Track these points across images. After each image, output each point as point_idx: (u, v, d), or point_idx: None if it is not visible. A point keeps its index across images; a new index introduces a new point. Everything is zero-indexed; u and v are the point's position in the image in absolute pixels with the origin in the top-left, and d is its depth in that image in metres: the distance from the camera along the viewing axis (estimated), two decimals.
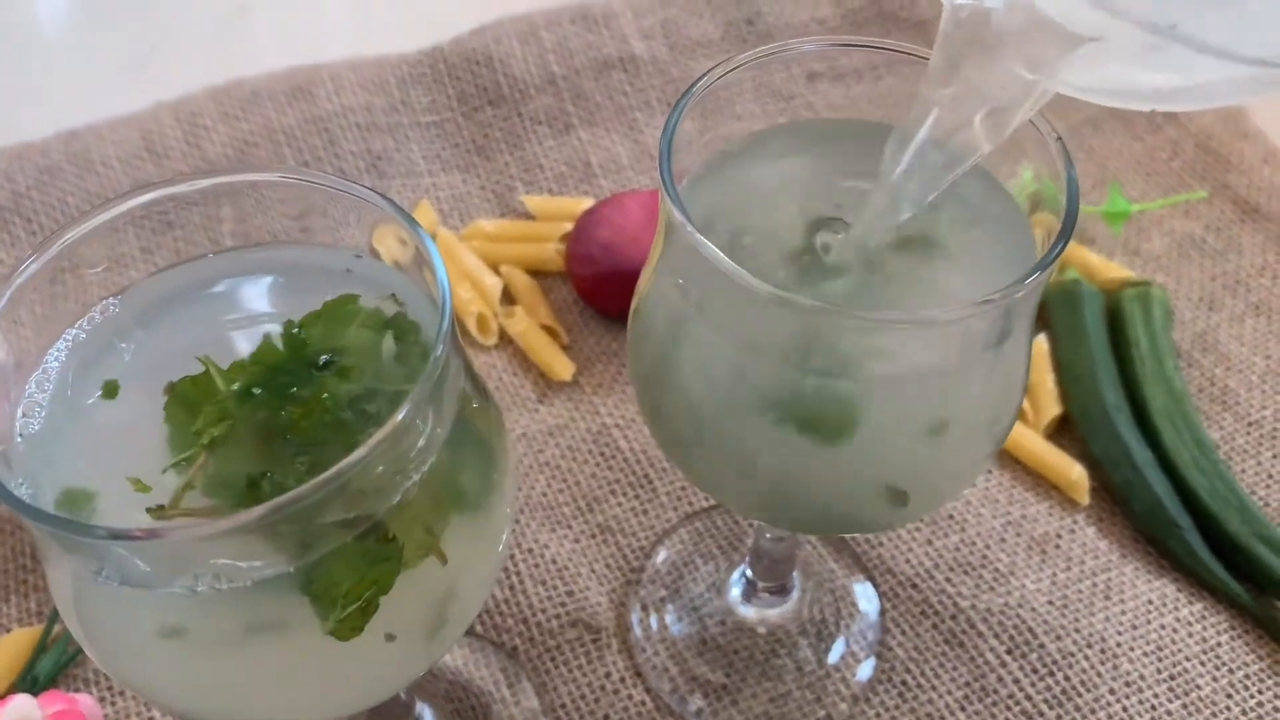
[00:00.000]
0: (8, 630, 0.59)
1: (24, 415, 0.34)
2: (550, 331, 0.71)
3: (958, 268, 0.40)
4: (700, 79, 0.40)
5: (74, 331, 0.36)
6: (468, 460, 0.36)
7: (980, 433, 0.41)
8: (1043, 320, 0.72)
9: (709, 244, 0.34)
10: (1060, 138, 0.39)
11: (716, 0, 0.85)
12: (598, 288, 0.71)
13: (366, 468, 0.31)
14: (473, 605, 0.39)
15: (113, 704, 0.56)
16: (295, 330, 0.34)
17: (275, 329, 0.35)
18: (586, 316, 0.73)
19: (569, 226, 0.74)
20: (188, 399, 0.33)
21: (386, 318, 0.35)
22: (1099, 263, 0.74)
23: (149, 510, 0.32)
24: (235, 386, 0.33)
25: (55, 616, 0.58)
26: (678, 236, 0.36)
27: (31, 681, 0.56)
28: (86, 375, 0.35)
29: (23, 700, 0.47)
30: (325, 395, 0.33)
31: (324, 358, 0.34)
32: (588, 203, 0.76)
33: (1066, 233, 0.36)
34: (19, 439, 0.33)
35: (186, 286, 0.37)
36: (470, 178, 0.79)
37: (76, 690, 0.56)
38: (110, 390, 0.34)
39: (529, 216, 0.77)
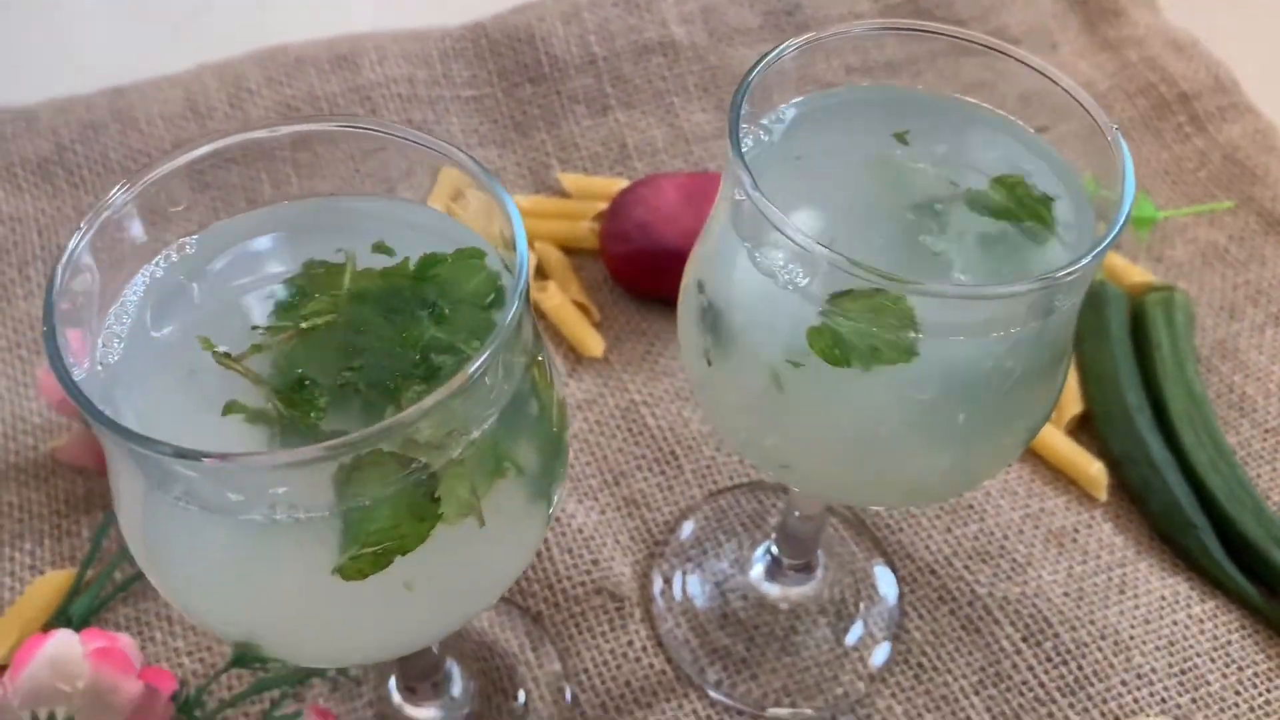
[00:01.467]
0: (42, 573, 0.60)
1: (103, 345, 0.35)
2: (582, 308, 0.72)
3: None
4: (762, 61, 0.41)
5: (151, 267, 0.37)
6: (525, 425, 0.37)
7: (1013, 420, 0.42)
8: None
9: (780, 212, 0.35)
10: (1118, 128, 0.40)
11: None
12: (630, 266, 0.72)
13: (432, 416, 0.31)
14: (507, 571, 0.40)
15: (145, 646, 0.57)
16: (420, 265, 0.35)
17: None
18: (617, 295, 0.74)
19: (603, 206, 0.75)
20: (311, 281, 0.35)
21: (498, 284, 0.36)
22: (1124, 266, 0.75)
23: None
24: (351, 289, 0.35)
25: (89, 559, 0.59)
26: (747, 211, 0.37)
27: (65, 621, 0.57)
28: (162, 311, 0.36)
29: (65, 635, 0.48)
30: (421, 335, 0.34)
31: (434, 300, 0.35)
32: (623, 183, 0.77)
33: (1119, 223, 0.37)
34: (99, 367, 0.34)
35: (261, 229, 0.38)
36: (507, 153, 0.80)
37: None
38: (205, 343, 0.35)
39: (564, 194, 0.78)
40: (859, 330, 0.36)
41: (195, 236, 0.38)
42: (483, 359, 0.31)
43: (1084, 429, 0.69)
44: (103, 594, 0.58)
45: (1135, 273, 0.75)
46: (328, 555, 0.32)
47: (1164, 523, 0.64)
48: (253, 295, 0.37)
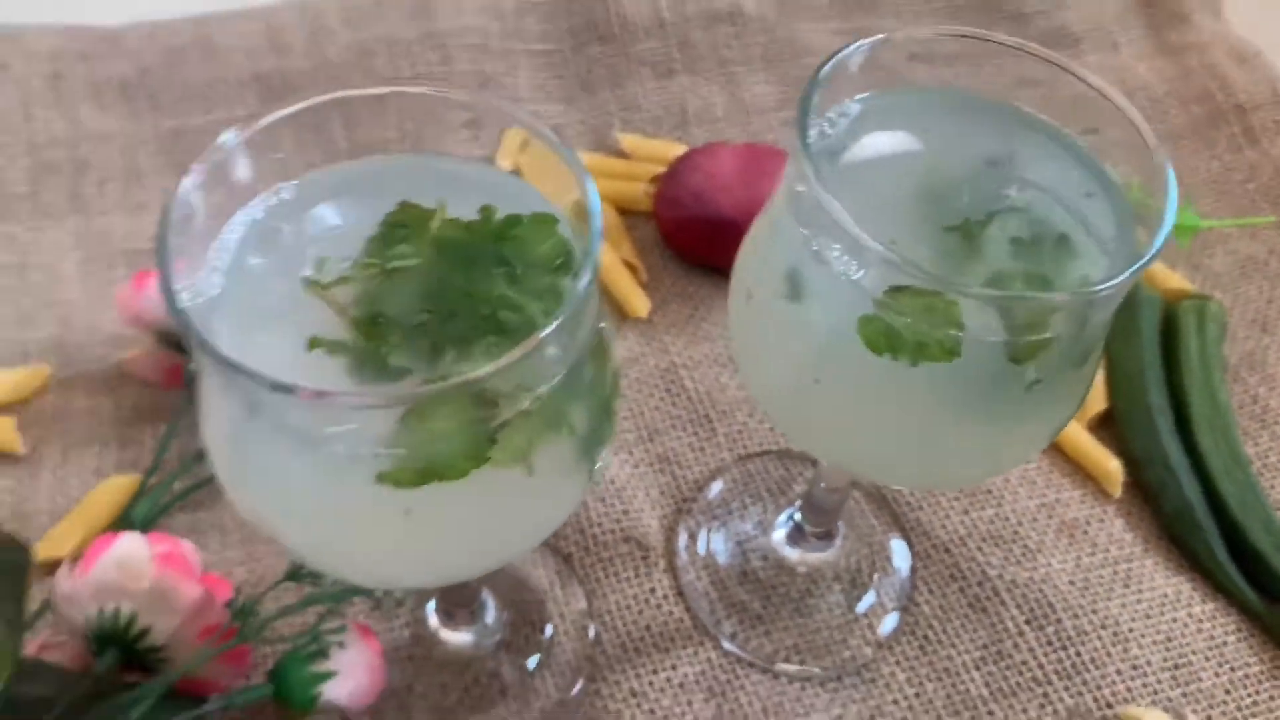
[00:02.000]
0: (107, 476, 0.64)
1: (204, 277, 0.38)
2: (631, 268, 0.75)
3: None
4: (831, 60, 0.43)
5: (251, 209, 0.40)
6: (584, 388, 0.40)
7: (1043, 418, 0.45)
8: None
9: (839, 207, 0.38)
10: (1165, 153, 0.41)
11: None
12: (682, 231, 0.74)
13: (505, 372, 0.34)
14: (548, 519, 0.43)
15: (201, 553, 0.61)
16: (502, 223, 0.38)
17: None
18: (667, 258, 0.77)
19: (660, 169, 0.78)
20: (400, 224, 0.38)
21: (569, 251, 0.38)
22: (1162, 272, 0.77)
23: (306, 282, 0.37)
24: (436, 237, 0.37)
25: (153, 468, 0.63)
26: (806, 198, 0.40)
27: (127, 524, 0.61)
28: (258, 248, 0.39)
29: (133, 538, 0.52)
30: (492, 291, 0.36)
31: (509, 259, 0.38)
32: (681, 148, 0.80)
33: (1159, 241, 0.39)
34: (199, 299, 0.37)
35: (355, 180, 0.41)
36: (571, 110, 0.82)
37: None
38: (309, 279, 0.38)
39: (622, 154, 0.81)
40: (909, 326, 0.38)
41: (293, 182, 0.40)
42: (558, 322, 0.34)
43: (1105, 426, 0.71)
44: (162, 501, 0.62)
45: (1172, 279, 0.76)
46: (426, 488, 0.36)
47: (1174, 523, 0.67)
48: (342, 237, 0.40)
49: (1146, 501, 0.68)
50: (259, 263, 0.39)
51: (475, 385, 0.34)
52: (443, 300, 0.37)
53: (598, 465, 0.42)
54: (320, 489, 0.38)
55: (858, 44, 0.43)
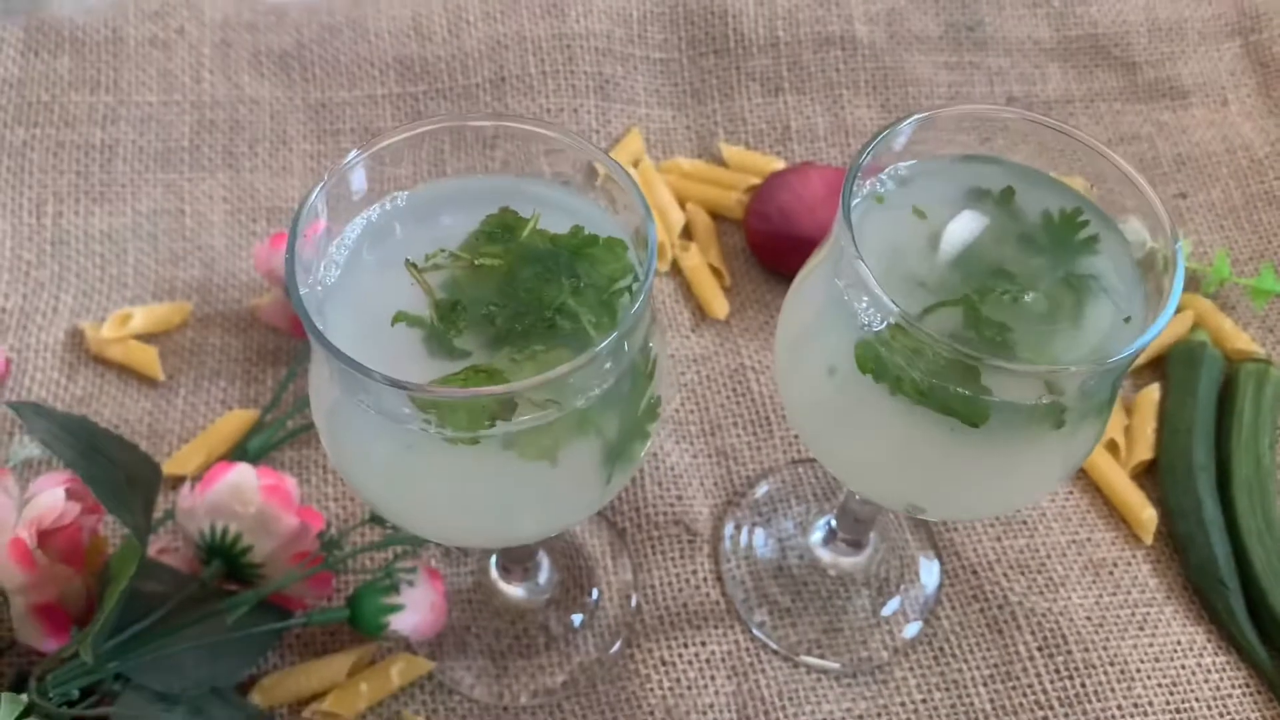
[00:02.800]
0: (230, 409, 0.73)
1: (324, 269, 0.45)
2: (716, 272, 0.81)
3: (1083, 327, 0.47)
4: (880, 136, 0.47)
5: (369, 212, 0.47)
6: (617, 405, 0.46)
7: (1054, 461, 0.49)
8: (1160, 371, 0.78)
9: (869, 272, 0.43)
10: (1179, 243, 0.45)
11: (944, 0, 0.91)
12: (767, 244, 0.79)
13: (557, 383, 0.41)
14: (570, 509, 0.49)
15: (302, 487, 0.70)
16: (581, 240, 0.44)
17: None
18: (750, 266, 0.82)
19: (756, 181, 0.83)
20: (498, 225, 0.45)
21: (634, 274, 0.44)
22: (1230, 330, 0.79)
23: (407, 263, 0.44)
24: (523, 242, 0.44)
25: (270, 406, 0.71)
26: (845, 255, 0.45)
27: (243, 453, 0.69)
28: (373, 246, 0.46)
29: (245, 469, 0.60)
30: (555, 298, 0.43)
31: (578, 272, 0.44)
32: (779, 163, 0.84)
33: (1156, 328, 0.43)
34: (319, 287, 0.45)
35: (460, 192, 0.47)
36: (680, 116, 0.88)
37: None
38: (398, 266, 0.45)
39: (723, 163, 0.86)
40: (894, 360, 0.44)
41: (406, 192, 0.47)
42: (608, 341, 0.40)
43: (1148, 474, 0.74)
44: (276, 437, 0.71)
45: (1240, 339, 0.78)
46: (460, 465, 0.43)
47: (1198, 576, 0.70)
48: (444, 236, 0.46)
49: (1175, 552, 0.72)
50: (370, 257, 0.46)
51: (543, 389, 0.40)
52: (512, 298, 0.44)
53: (615, 475, 0.48)
54: (399, 462, 0.45)
55: (906, 120, 0.48)
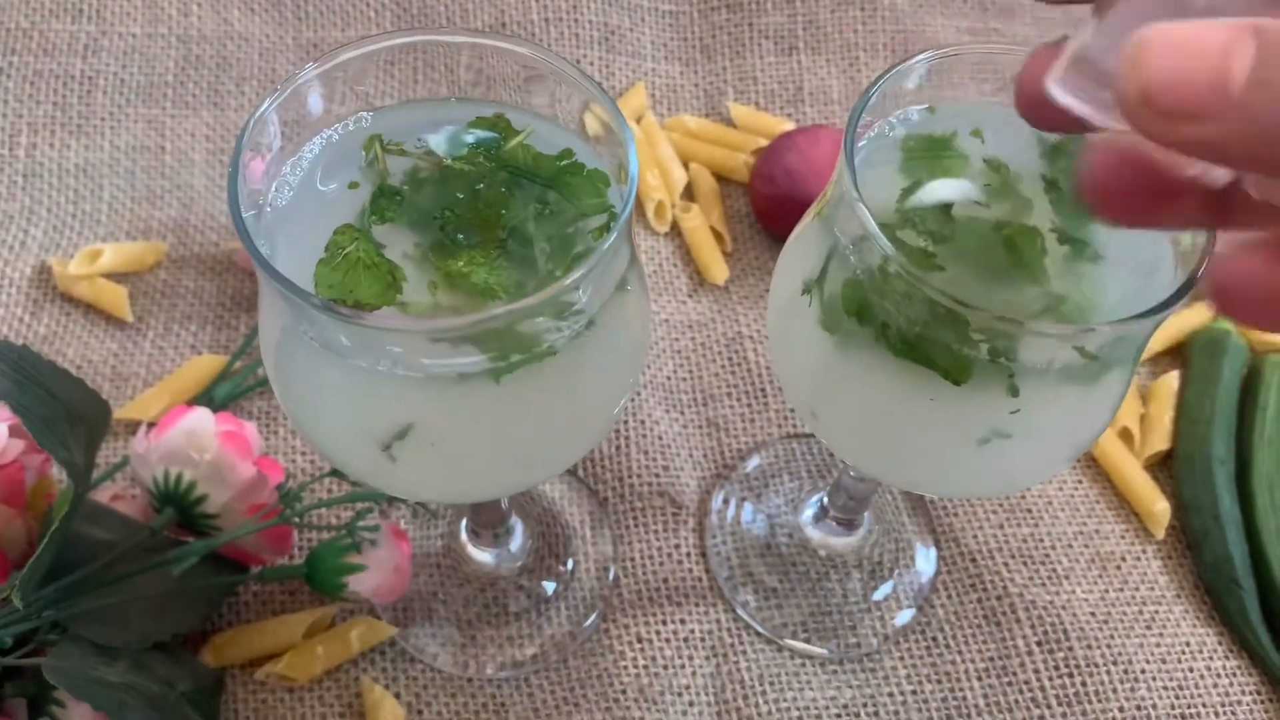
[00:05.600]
0: (200, 354, 0.70)
1: (275, 190, 0.41)
2: (717, 235, 0.77)
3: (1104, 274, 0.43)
4: (888, 73, 0.44)
5: (329, 132, 0.43)
6: (602, 343, 0.42)
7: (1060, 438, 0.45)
8: (1179, 359, 0.74)
9: (870, 217, 0.39)
10: None
11: None
12: (771, 208, 0.75)
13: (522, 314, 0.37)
14: (554, 455, 0.46)
15: (268, 439, 0.66)
16: (565, 167, 0.41)
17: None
18: (754, 231, 0.78)
19: (764, 142, 0.79)
20: (483, 128, 0.42)
21: (610, 213, 0.41)
22: None
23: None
24: (504, 153, 0.41)
25: (239, 352, 0.68)
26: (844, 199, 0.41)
27: (209, 400, 0.66)
28: (331, 168, 0.42)
29: (202, 413, 0.57)
30: (512, 220, 0.39)
31: (550, 197, 0.40)
32: (789, 125, 0.80)
33: (1186, 288, 0.39)
34: (269, 209, 0.41)
35: (428, 117, 0.44)
36: (688, 72, 0.84)
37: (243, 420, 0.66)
38: (351, 185, 0.42)
39: (730, 123, 0.82)
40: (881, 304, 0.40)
41: (370, 114, 0.43)
42: (567, 282, 0.36)
43: (1163, 466, 0.70)
44: (244, 384, 0.67)
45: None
46: (409, 406, 0.39)
47: (1211, 574, 0.66)
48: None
49: (1187, 548, 0.68)
50: (328, 180, 0.42)
51: (501, 320, 0.36)
52: (471, 208, 0.40)
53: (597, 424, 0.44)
54: (349, 403, 0.41)
55: (918, 57, 0.44)
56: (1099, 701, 0.62)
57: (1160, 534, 0.68)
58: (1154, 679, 0.63)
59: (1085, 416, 0.44)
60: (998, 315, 0.37)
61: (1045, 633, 0.64)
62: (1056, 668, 0.63)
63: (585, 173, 0.42)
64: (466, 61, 0.43)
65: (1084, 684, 0.62)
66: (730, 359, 0.72)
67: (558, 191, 0.41)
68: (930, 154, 0.44)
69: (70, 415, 0.50)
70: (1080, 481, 0.69)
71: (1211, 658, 0.64)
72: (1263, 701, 0.63)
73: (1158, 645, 0.64)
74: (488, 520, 0.61)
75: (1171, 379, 0.72)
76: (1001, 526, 0.67)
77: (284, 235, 0.41)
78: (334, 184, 0.42)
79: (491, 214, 0.40)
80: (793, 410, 0.71)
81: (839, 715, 0.61)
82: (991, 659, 0.63)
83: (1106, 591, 0.66)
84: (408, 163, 0.42)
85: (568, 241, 0.40)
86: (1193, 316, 0.75)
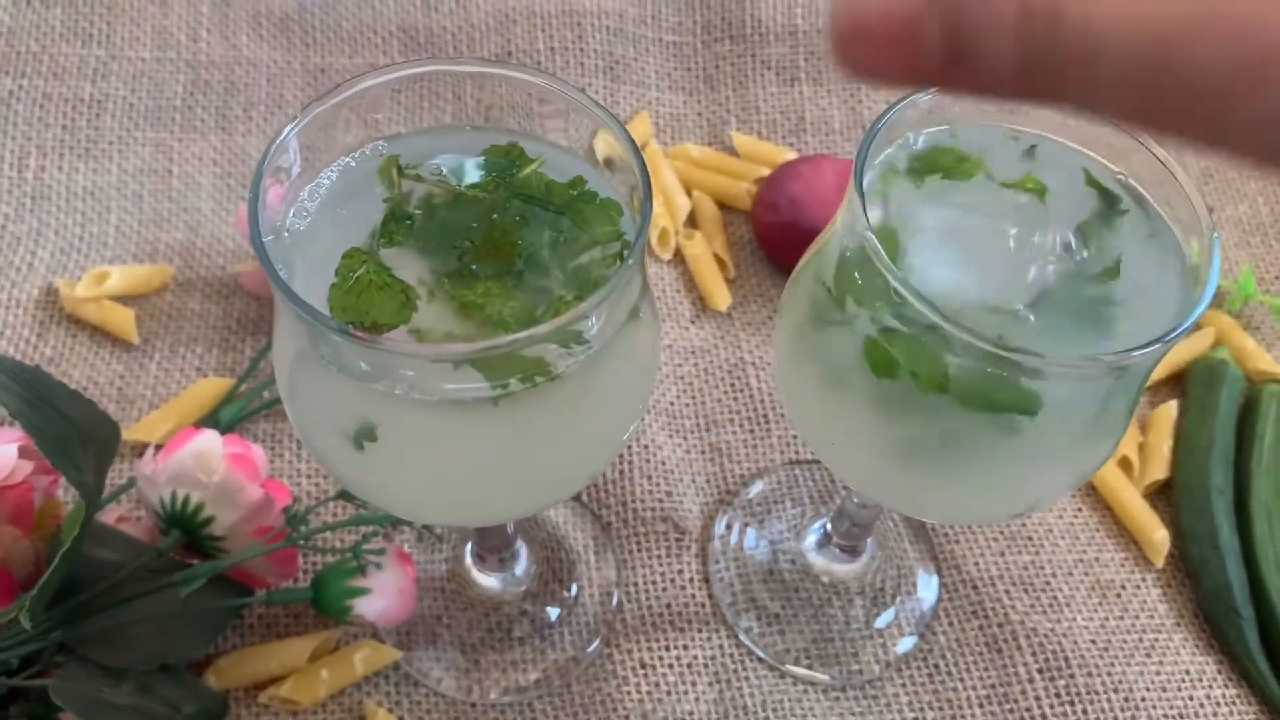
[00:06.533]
0: (205, 376, 0.70)
1: (294, 216, 0.42)
2: (720, 262, 0.77)
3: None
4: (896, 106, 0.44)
5: (347, 159, 0.44)
6: (613, 371, 0.43)
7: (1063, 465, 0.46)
8: (1178, 388, 0.74)
9: (882, 252, 0.40)
10: (1215, 231, 0.42)
11: None
12: (774, 236, 0.76)
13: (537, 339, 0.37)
14: (561, 480, 0.46)
15: (273, 461, 0.66)
16: (579, 195, 0.41)
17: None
18: (756, 258, 0.79)
19: (766, 171, 0.80)
20: (496, 157, 0.42)
21: (623, 241, 0.41)
22: (1253, 349, 0.75)
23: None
24: (518, 180, 0.41)
25: (245, 375, 0.68)
26: (854, 226, 0.42)
27: (215, 423, 0.66)
28: (348, 194, 0.43)
29: (210, 435, 0.57)
30: (527, 249, 0.40)
31: (564, 225, 0.41)
32: (791, 154, 0.81)
33: (1188, 317, 0.39)
34: (286, 234, 0.41)
35: (443, 145, 0.44)
36: (691, 101, 0.84)
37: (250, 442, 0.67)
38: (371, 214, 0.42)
39: (733, 152, 0.83)
40: (904, 354, 0.40)
41: (387, 142, 0.44)
42: (580, 310, 0.37)
43: (1162, 495, 0.71)
44: (250, 407, 0.67)
45: (1263, 360, 0.75)
46: (421, 429, 0.39)
47: (1211, 603, 0.66)
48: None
49: (1187, 576, 0.68)
50: (345, 205, 0.43)
51: (515, 343, 0.37)
52: (485, 236, 0.41)
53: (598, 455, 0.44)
54: (363, 426, 0.41)
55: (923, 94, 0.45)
56: None
57: (1160, 562, 0.68)
58: (1154, 707, 0.63)
59: (1091, 444, 0.45)
60: (1030, 352, 0.38)
61: (1046, 660, 0.64)
62: (1057, 695, 0.63)
63: (598, 201, 0.43)
64: (482, 91, 0.44)
65: (1085, 712, 0.63)
66: (733, 385, 0.73)
67: (571, 220, 0.42)
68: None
69: (81, 436, 0.51)
70: (1080, 510, 0.70)
71: (1211, 686, 0.64)
72: None
73: (1158, 673, 0.64)
74: (493, 545, 0.61)
75: (1170, 408, 0.73)
76: (1002, 554, 0.68)
77: (301, 260, 0.41)
78: (351, 210, 0.43)
79: (505, 242, 0.40)
80: (794, 436, 0.71)
81: None
82: (993, 686, 0.63)
83: (1107, 619, 0.66)
84: (424, 188, 0.43)
85: (582, 270, 0.40)
86: (1191, 346, 0.75)
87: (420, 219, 0.41)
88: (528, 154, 0.43)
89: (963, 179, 0.45)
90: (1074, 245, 0.44)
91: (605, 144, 0.43)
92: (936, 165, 0.46)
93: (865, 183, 0.42)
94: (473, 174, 0.43)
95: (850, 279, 0.43)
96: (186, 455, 0.56)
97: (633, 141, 0.41)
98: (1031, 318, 0.42)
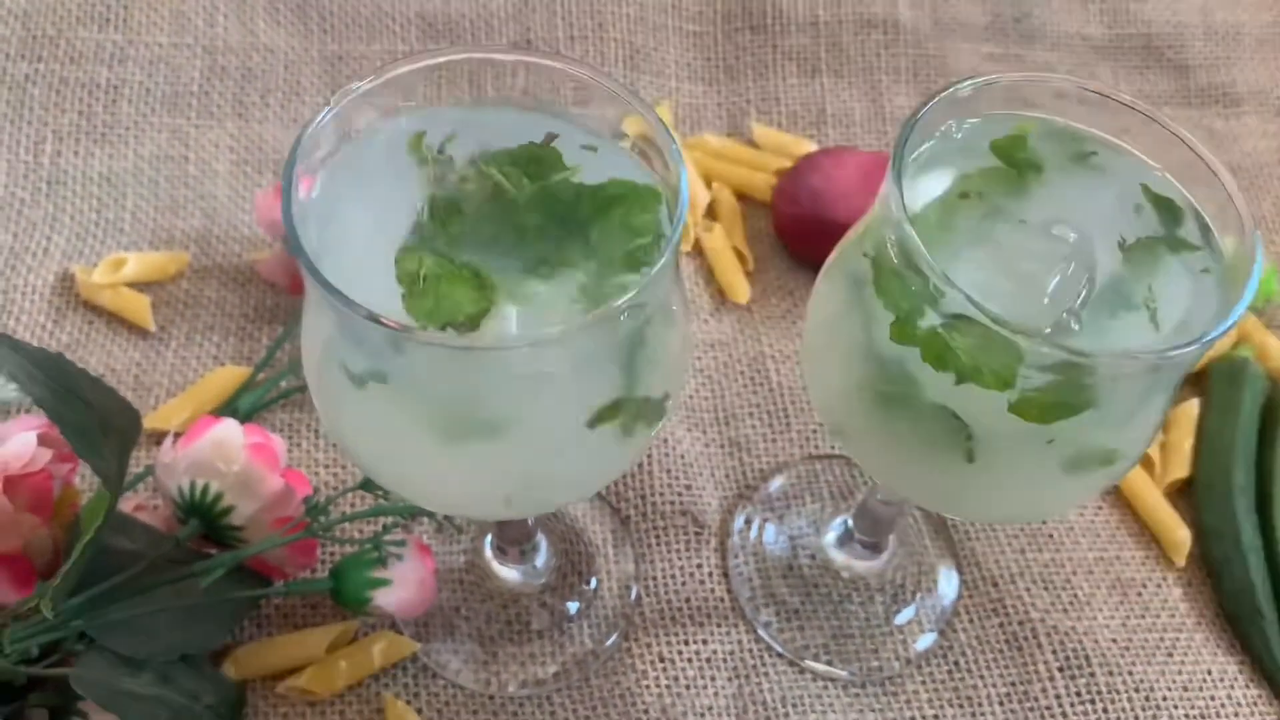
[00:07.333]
0: (222, 365, 0.69)
1: (321, 198, 0.41)
2: (740, 255, 0.77)
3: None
4: (944, 91, 0.44)
5: (376, 141, 0.43)
6: (641, 359, 0.42)
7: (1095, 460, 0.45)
8: (1200, 387, 0.74)
9: (919, 244, 0.39)
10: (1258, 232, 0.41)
11: None
12: (795, 229, 0.75)
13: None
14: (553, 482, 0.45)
15: (291, 451, 0.66)
16: (611, 195, 0.41)
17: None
18: (776, 251, 0.78)
19: (787, 163, 0.79)
20: (519, 159, 0.41)
21: (658, 231, 0.41)
22: (1276, 348, 0.75)
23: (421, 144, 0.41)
24: (550, 179, 0.41)
25: (262, 364, 0.67)
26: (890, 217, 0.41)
27: (232, 412, 0.66)
28: (377, 177, 0.42)
29: (231, 424, 0.57)
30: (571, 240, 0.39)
31: (589, 228, 0.40)
32: (811, 146, 0.81)
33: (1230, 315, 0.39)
34: (313, 217, 0.41)
35: (477, 132, 0.43)
36: (711, 92, 0.84)
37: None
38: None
39: (753, 144, 0.82)
40: (964, 349, 0.40)
41: (418, 127, 0.43)
42: (618, 304, 0.36)
43: (1183, 494, 0.71)
44: (267, 397, 0.67)
45: None
46: (438, 421, 0.39)
47: (1233, 603, 0.66)
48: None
49: (1209, 576, 0.68)
50: (375, 185, 0.42)
51: (551, 338, 0.36)
52: (518, 230, 0.40)
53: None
54: (385, 417, 0.41)
55: (964, 81, 0.44)
56: None
57: (1181, 561, 0.68)
58: (1175, 707, 0.63)
59: (1125, 444, 0.44)
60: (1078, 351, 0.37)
61: (1066, 658, 0.64)
62: (1078, 694, 0.63)
63: (637, 189, 0.42)
64: (517, 79, 0.44)
65: (1105, 711, 0.62)
66: (753, 378, 0.72)
67: (600, 227, 0.41)
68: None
69: (103, 424, 0.50)
70: (1101, 508, 0.70)
71: (1233, 687, 0.64)
72: None
73: (1179, 673, 0.64)
74: (513, 537, 0.61)
75: (1192, 406, 0.73)
76: (1023, 551, 0.67)
77: (327, 242, 0.40)
78: (380, 193, 0.42)
79: (538, 235, 0.40)
80: (814, 431, 0.71)
81: None
82: (1013, 684, 0.63)
83: (1128, 618, 0.66)
84: (454, 179, 0.42)
85: (615, 264, 0.40)
86: (1214, 345, 0.75)
87: (465, 209, 0.40)
88: (564, 158, 0.42)
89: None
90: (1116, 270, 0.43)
91: (641, 134, 0.42)
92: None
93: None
94: (505, 164, 0.42)
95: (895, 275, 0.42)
96: (206, 444, 0.56)
97: (666, 129, 0.41)
98: (1075, 325, 0.41)
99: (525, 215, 0.40)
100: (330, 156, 0.42)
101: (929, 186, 0.45)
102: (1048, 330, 0.41)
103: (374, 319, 0.35)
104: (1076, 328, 0.41)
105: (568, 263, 0.40)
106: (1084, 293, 0.42)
